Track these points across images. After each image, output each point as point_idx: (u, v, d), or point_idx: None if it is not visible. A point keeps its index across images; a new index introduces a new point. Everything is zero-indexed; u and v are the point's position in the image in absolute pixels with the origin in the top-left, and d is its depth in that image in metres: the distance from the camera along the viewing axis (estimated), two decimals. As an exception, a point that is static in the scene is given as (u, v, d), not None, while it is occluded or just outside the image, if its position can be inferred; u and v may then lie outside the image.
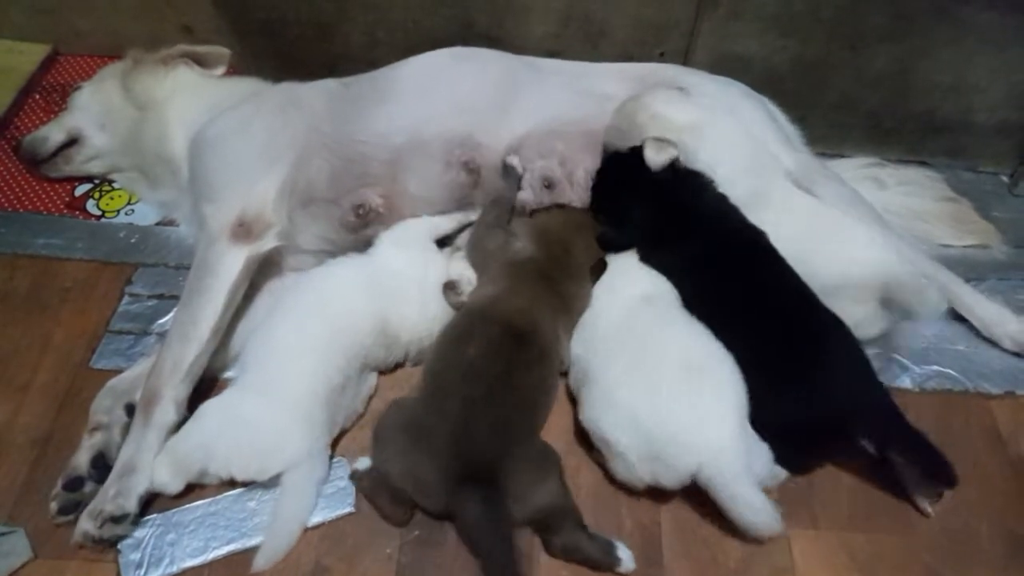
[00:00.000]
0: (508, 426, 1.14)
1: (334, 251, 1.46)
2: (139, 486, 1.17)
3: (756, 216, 1.33)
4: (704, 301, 1.27)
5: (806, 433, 1.19)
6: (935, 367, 1.43)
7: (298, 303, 1.32)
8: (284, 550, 1.15)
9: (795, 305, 1.25)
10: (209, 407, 1.21)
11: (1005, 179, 1.83)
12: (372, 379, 1.35)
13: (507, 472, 1.10)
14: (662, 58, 1.76)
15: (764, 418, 1.17)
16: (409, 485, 1.15)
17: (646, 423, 1.13)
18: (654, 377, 1.15)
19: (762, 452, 1.16)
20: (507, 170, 1.46)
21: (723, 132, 1.40)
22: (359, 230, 1.45)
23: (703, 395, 1.14)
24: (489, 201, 1.47)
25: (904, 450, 1.18)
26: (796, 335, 1.22)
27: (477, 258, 1.39)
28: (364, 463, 1.23)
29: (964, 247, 1.65)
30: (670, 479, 1.14)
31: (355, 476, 1.23)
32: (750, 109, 1.56)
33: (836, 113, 1.79)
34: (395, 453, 1.16)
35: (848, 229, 1.36)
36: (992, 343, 1.46)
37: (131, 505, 1.15)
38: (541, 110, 1.50)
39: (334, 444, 1.27)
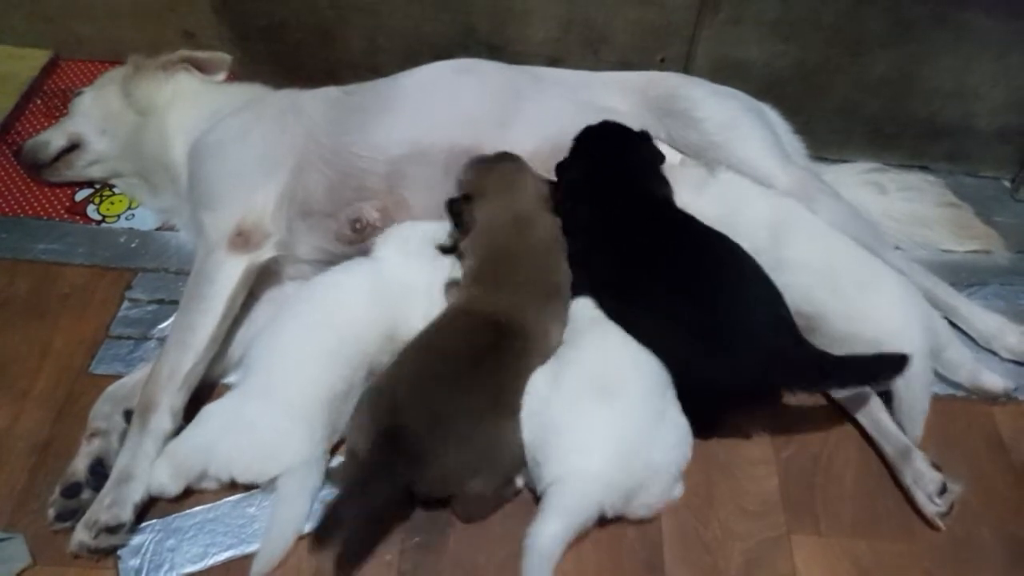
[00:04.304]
0: (446, 404, 1.13)
1: (332, 261, 1.45)
2: (135, 495, 1.16)
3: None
4: (628, 269, 1.30)
5: (728, 393, 1.20)
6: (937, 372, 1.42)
7: (304, 310, 1.32)
8: (279, 556, 1.14)
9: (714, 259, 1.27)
10: (211, 410, 1.21)
11: (1007, 184, 1.83)
12: None
13: (429, 451, 1.10)
14: (663, 64, 1.76)
15: (687, 378, 1.19)
16: (356, 440, 1.16)
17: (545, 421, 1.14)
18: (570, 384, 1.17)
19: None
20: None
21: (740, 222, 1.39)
22: (356, 243, 1.44)
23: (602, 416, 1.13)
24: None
25: (843, 381, 1.23)
26: (711, 294, 1.23)
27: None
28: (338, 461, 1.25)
29: (966, 252, 1.64)
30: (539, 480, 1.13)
31: (329, 475, 1.22)
32: (749, 124, 1.56)
33: (837, 118, 1.79)
34: (354, 414, 1.21)
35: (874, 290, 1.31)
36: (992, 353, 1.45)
37: (126, 515, 1.14)
38: (544, 125, 1.50)
39: (338, 448, 1.26)
